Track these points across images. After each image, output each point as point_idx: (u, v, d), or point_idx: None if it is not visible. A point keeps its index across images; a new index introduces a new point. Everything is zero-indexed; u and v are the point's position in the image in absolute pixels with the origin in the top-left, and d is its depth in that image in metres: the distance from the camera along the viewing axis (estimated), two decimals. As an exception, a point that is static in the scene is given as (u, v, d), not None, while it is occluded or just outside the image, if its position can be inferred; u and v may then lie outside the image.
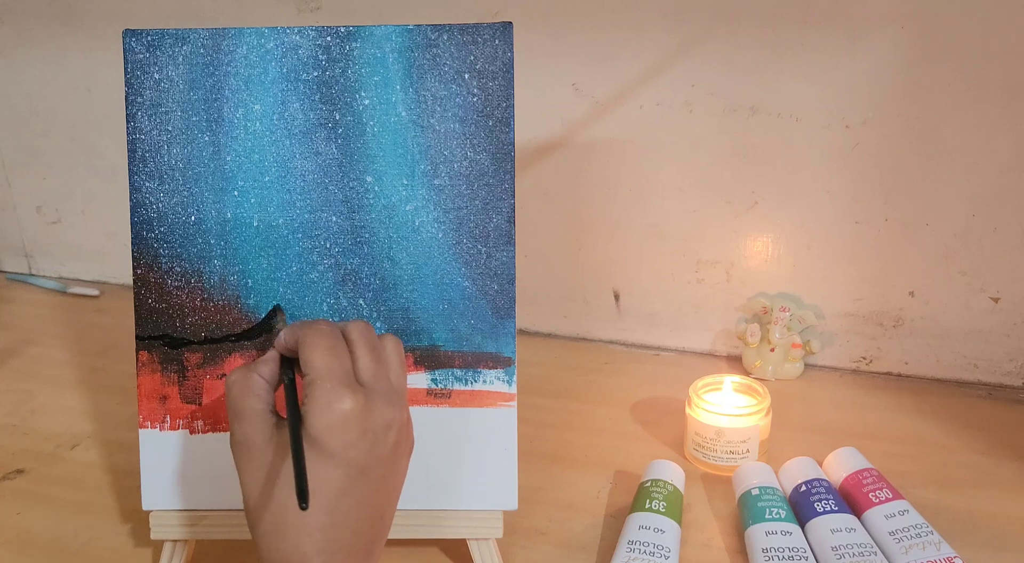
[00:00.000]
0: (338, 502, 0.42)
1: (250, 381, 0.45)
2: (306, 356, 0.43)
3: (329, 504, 0.41)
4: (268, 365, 0.47)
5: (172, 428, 0.54)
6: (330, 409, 0.41)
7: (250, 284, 0.54)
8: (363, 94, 0.53)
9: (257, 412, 0.44)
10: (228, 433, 0.54)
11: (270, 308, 0.54)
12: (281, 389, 0.46)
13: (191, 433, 0.54)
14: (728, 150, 0.81)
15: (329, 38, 0.53)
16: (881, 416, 0.76)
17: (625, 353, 0.91)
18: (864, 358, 0.84)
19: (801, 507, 0.59)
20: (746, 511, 0.59)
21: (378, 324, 0.54)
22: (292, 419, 0.42)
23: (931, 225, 0.78)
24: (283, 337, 0.47)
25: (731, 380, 0.71)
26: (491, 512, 0.54)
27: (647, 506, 0.58)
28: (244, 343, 0.54)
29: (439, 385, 0.54)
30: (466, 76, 0.53)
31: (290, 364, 0.47)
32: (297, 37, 0.53)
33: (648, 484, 0.61)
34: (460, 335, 0.54)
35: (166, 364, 0.54)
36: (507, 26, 0.52)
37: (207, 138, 0.53)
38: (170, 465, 0.54)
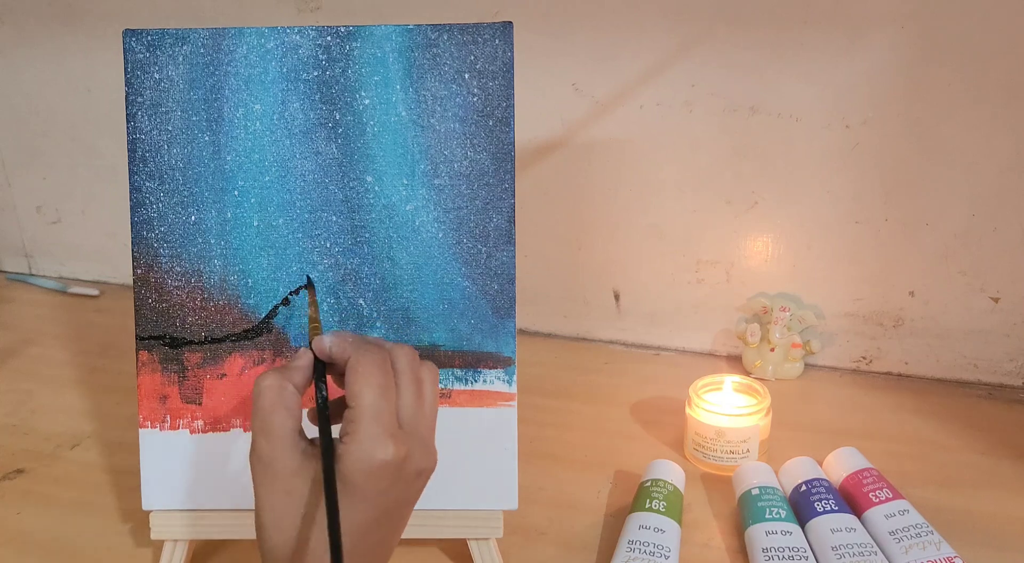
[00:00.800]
0: (358, 540, 0.41)
1: (284, 392, 0.42)
2: (357, 388, 0.41)
3: (349, 541, 0.40)
4: (302, 374, 0.44)
5: (172, 428, 0.54)
6: (372, 458, 0.40)
7: (250, 284, 0.54)
8: (363, 94, 0.53)
9: (288, 432, 0.42)
10: (228, 433, 0.54)
11: (300, 285, 0.53)
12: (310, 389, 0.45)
13: (191, 433, 0.54)
14: (728, 150, 0.81)
15: (329, 38, 0.53)
16: (881, 416, 0.76)
17: (625, 353, 0.91)
18: (864, 358, 0.84)
19: (801, 507, 0.59)
20: (746, 511, 0.59)
21: (378, 324, 0.54)
22: (327, 456, 0.39)
23: (931, 225, 0.78)
24: (329, 345, 0.44)
25: (731, 380, 0.71)
26: (491, 512, 0.54)
27: (647, 506, 0.58)
28: (244, 343, 0.54)
29: (439, 385, 0.54)
30: (466, 76, 0.53)
31: (322, 370, 0.44)
32: (297, 37, 0.53)
33: (648, 484, 0.61)
34: (460, 335, 0.54)
35: (166, 364, 0.54)
36: (507, 26, 0.52)
37: (207, 138, 0.53)
38: (170, 465, 0.54)
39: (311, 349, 0.45)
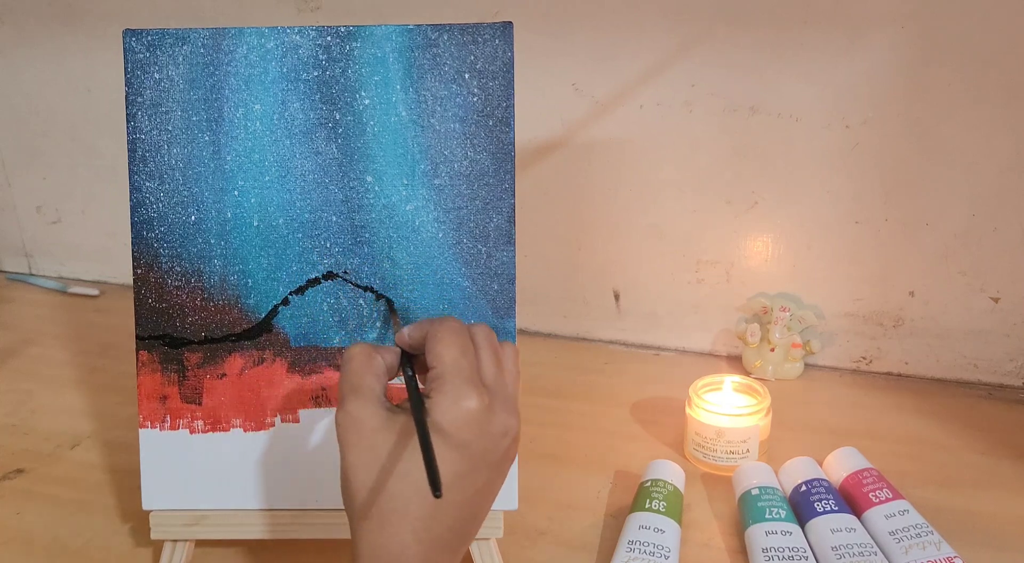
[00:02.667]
0: (449, 491, 0.41)
1: (373, 360, 0.45)
2: (437, 350, 0.43)
3: (430, 494, 0.40)
4: (391, 353, 0.47)
5: (172, 428, 0.54)
6: (457, 405, 0.41)
7: (250, 284, 0.54)
8: (363, 94, 0.53)
9: (375, 393, 0.44)
10: (228, 433, 0.54)
11: (383, 304, 0.54)
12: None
13: (191, 433, 0.54)
14: (728, 150, 0.81)
15: (329, 38, 0.53)
16: (881, 416, 0.76)
17: (625, 353, 0.91)
18: (864, 358, 0.84)
19: (801, 507, 0.59)
20: (746, 511, 0.59)
21: (378, 324, 0.54)
22: (417, 411, 0.41)
23: (931, 225, 0.78)
24: (407, 333, 0.47)
25: (731, 380, 0.71)
26: (491, 512, 0.54)
27: (647, 506, 0.58)
28: (244, 343, 0.54)
29: None
30: (466, 76, 0.53)
31: (410, 361, 0.47)
32: (297, 37, 0.53)
33: (648, 484, 0.61)
34: (460, 335, 0.54)
35: (166, 364, 0.54)
36: (507, 26, 0.52)
37: (207, 138, 0.53)
38: (170, 465, 0.54)
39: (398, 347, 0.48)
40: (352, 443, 0.43)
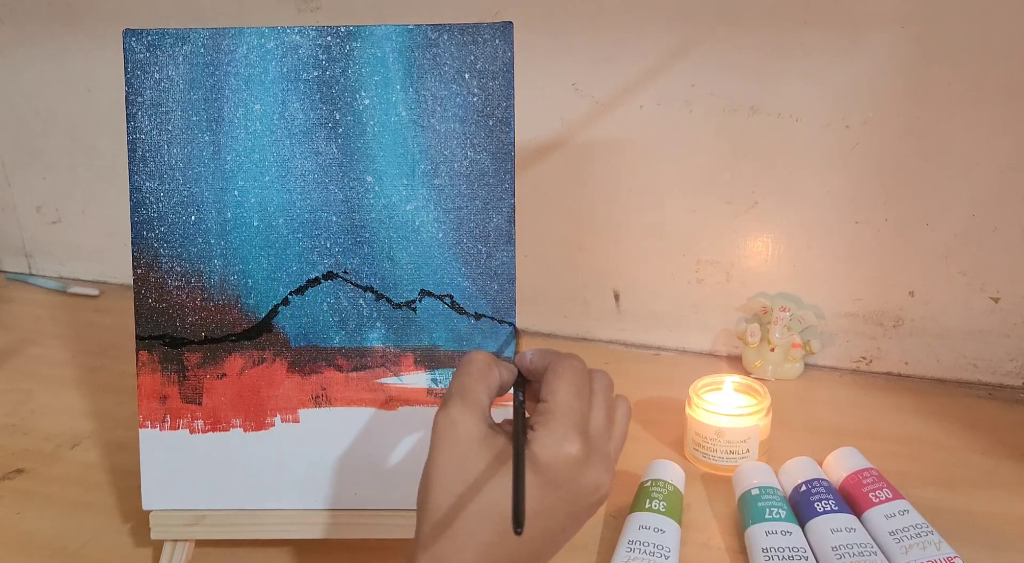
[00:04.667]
0: (531, 523, 0.40)
1: (492, 372, 0.44)
2: (555, 385, 0.42)
3: (505, 523, 0.40)
4: (508, 371, 0.46)
5: (172, 428, 0.54)
6: (558, 446, 0.40)
7: (250, 284, 0.54)
8: (363, 94, 0.53)
9: (482, 405, 0.43)
10: (228, 433, 0.54)
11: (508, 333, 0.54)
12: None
13: (191, 433, 0.54)
14: (728, 150, 0.81)
15: (329, 38, 0.53)
16: (881, 416, 0.76)
17: (625, 353, 0.91)
18: (864, 358, 0.84)
19: (801, 507, 0.59)
20: (746, 511, 0.59)
21: (378, 324, 0.54)
22: (518, 440, 0.40)
23: (931, 225, 0.78)
24: (530, 358, 0.46)
25: (731, 380, 0.71)
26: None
27: (647, 506, 0.58)
28: (244, 343, 0.54)
29: (439, 385, 0.54)
30: (466, 76, 0.53)
31: (523, 386, 0.46)
32: (297, 37, 0.53)
33: (648, 484, 0.61)
34: (460, 335, 0.54)
35: (166, 364, 0.54)
36: (507, 26, 0.52)
37: (207, 138, 0.53)
38: (170, 465, 0.54)
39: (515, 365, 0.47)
40: (445, 447, 0.42)
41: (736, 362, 0.87)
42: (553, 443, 0.40)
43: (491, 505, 0.40)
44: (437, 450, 0.42)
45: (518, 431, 0.41)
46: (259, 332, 0.54)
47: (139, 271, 0.54)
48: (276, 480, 0.54)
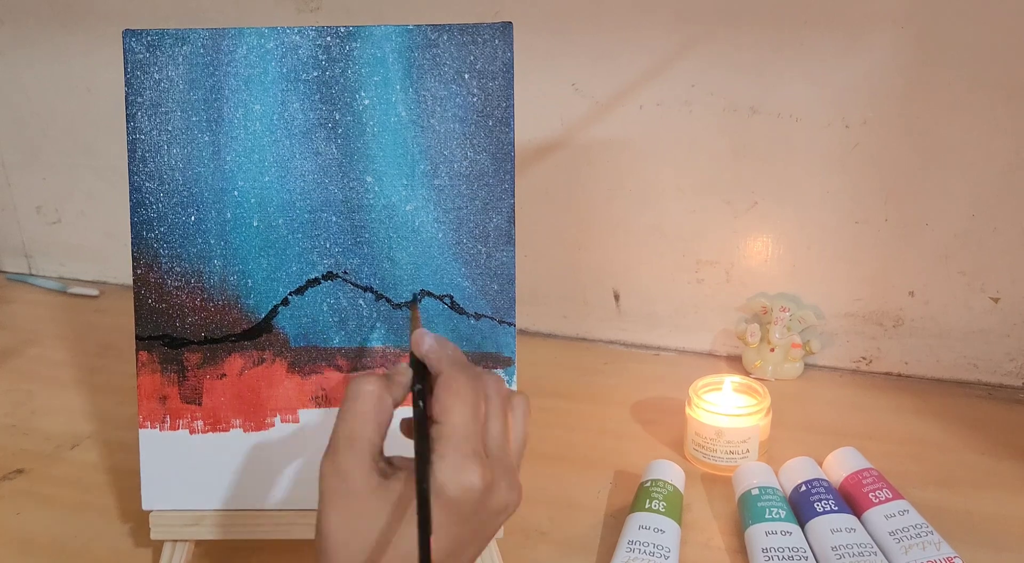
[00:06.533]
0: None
1: (382, 404, 0.40)
2: (447, 403, 0.39)
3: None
4: (402, 390, 0.42)
5: (172, 428, 0.54)
6: (460, 480, 0.37)
7: (250, 284, 0.54)
8: (363, 94, 0.53)
9: (374, 446, 0.39)
10: (228, 433, 0.54)
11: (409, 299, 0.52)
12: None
13: (191, 433, 0.54)
14: (728, 150, 0.81)
15: (329, 38, 0.53)
16: (881, 416, 0.76)
17: (625, 353, 0.91)
18: (864, 358, 0.84)
19: (801, 507, 0.59)
20: (746, 511, 0.59)
21: (378, 324, 0.54)
22: (423, 479, 0.37)
23: (931, 225, 0.78)
24: (426, 348, 0.42)
25: (731, 380, 0.71)
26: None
27: (647, 506, 0.58)
28: (244, 343, 0.54)
29: None
30: (466, 76, 0.53)
31: (422, 382, 0.42)
32: (297, 37, 0.53)
33: (648, 484, 0.61)
34: (460, 335, 0.54)
35: (166, 364, 0.54)
36: (507, 26, 0.52)
37: (207, 138, 0.53)
38: (170, 465, 0.54)
39: (412, 355, 0.43)
40: (337, 503, 0.38)
41: (736, 362, 0.87)
42: (455, 476, 0.37)
43: (399, 555, 0.37)
44: (330, 506, 0.38)
45: (420, 472, 0.37)
46: (259, 332, 0.54)
47: (139, 271, 0.54)
48: (276, 480, 0.54)
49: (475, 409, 0.39)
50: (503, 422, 0.41)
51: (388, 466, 0.40)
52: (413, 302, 0.53)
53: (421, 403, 0.40)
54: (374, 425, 0.40)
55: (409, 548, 0.37)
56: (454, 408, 0.39)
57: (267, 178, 0.54)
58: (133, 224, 0.54)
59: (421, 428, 0.39)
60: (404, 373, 0.42)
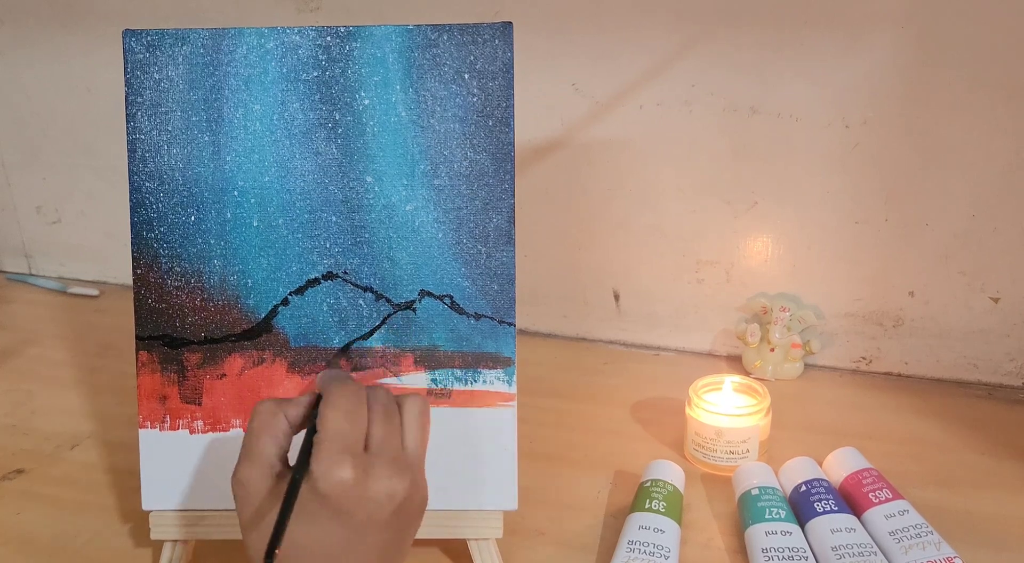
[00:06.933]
0: (337, 559, 0.43)
1: (275, 420, 0.46)
2: (323, 413, 0.44)
3: (329, 560, 0.42)
4: (299, 408, 0.47)
5: (172, 428, 0.54)
6: (329, 476, 0.42)
7: (250, 284, 0.54)
8: (363, 94, 0.53)
9: (268, 457, 0.44)
10: (228, 433, 0.54)
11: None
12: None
13: (191, 433, 0.54)
14: (728, 150, 0.81)
15: (329, 38, 0.53)
16: (881, 416, 0.76)
17: (625, 353, 0.91)
18: (864, 358, 0.84)
19: (801, 507, 0.59)
20: (746, 511, 0.59)
21: (378, 324, 0.54)
22: (297, 471, 0.42)
23: (931, 225, 0.78)
24: (318, 379, 0.49)
25: (731, 380, 0.71)
26: (491, 512, 0.54)
27: (647, 506, 0.58)
28: (244, 343, 0.54)
29: (439, 385, 0.54)
30: (466, 76, 0.53)
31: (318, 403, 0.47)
32: (297, 37, 0.53)
33: (648, 484, 0.61)
34: (460, 335, 0.54)
35: (166, 364, 0.54)
36: (507, 26, 0.52)
37: (207, 138, 0.53)
38: (170, 465, 0.54)
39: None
40: (243, 509, 0.44)
41: (736, 362, 0.87)
42: (326, 471, 0.42)
43: (302, 548, 0.42)
44: (240, 512, 0.44)
45: (297, 466, 0.42)
46: (259, 332, 0.54)
47: (139, 271, 0.54)
48: (276, 480, 0.54)
49: (351, 415, 0.44)
50: (385, 421, 0.45)
51: (287, 470, 0.45)
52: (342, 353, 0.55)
53: (314, 421, 0.45)
54: (268, 438, 0.45)
55: (316, 538, 0.42)
56: (329, 416, 0.44)
57: (267, 178, 0.54)
58: (133, 224, 0.54)
59: (308, 438, 0.44)
60: (307, 396, 0.48)
